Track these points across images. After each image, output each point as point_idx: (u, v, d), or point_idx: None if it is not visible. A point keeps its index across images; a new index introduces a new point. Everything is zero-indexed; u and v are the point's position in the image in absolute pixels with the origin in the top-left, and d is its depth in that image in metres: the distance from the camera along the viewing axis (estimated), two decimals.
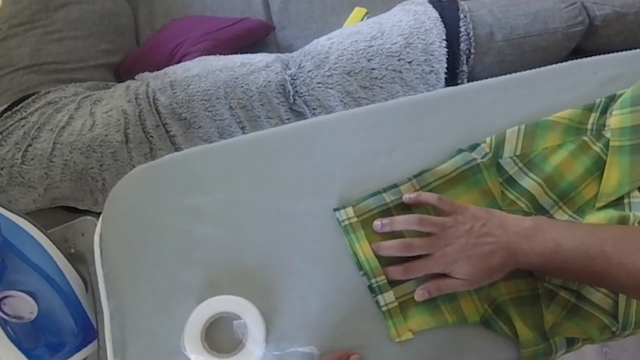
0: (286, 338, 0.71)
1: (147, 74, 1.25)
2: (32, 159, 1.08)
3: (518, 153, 0.74)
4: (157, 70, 1.26)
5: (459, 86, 0.80)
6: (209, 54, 1.28)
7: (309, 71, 1.09)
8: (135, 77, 1.27)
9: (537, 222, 0.65)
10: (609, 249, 0.60)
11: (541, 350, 0.70)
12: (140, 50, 1.45)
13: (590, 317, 0.70)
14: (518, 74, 0.79)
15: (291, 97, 1.10)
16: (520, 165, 0.74)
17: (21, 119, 1.14)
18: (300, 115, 1.10)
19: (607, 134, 0.74)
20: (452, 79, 1.02)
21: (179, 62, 1.31)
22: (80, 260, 0.81)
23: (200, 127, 1.11)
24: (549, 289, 0.70)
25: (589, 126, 0.75)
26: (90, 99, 1.19)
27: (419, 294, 0.69)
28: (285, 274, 0.75)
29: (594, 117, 0.75)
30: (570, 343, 0.71)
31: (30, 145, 1.09)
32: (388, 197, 0.74)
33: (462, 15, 1.04)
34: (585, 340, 0.71)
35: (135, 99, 1.14)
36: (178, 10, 1.56)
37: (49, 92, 1.20)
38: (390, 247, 0.71)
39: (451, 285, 0.68)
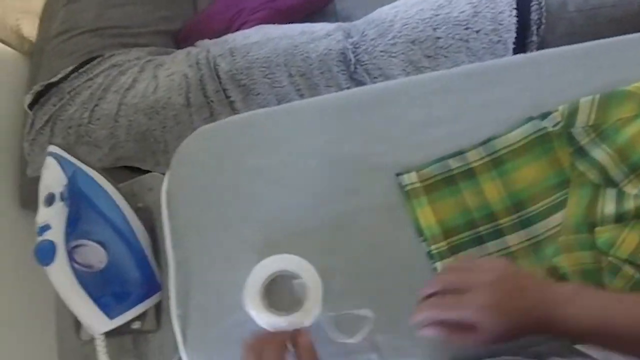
0: (342, 299, 0.72)
1: (207, 41, 1.26)
2: (98, 119, 1.12)
3: (591, 123, 0.72)
4: (216, 38, 1.27)
5: (530, 54, 0.78)
6: (267, 23, 1.28)
7: (372, 39, 1.08)
8: (196, 44, 1.29)
9: (577, 287, 0.59)
10: None
11: None
12: (198, 18, 1.46)
13: None
14: (593, 42, 0.76)
15: (352, 66, 1.09)
16: (593, 136, 0.72)
17: (88, 80, 1.17)
18: (360, 84, 1.10)
19: None
20: (520, 49, 0.98)
21: (237, 30, 1.31)
22: (147, 214, 0.84)
23: (259, 93, 1.11)
24: (613, 263, 0.69)
25: None
26: (153, 63, 1.21)
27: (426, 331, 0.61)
28: (344, 235, 0.75)
29: None
30: None
31: (96, 105, 1.13)
32: (454, 164, 0.73)
33: None
34: None
35: (197, 63, 1.16)
36: None
37: (113, 55, 1.23)
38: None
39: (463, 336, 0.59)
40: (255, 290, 0.70)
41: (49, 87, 1.18)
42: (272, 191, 0.78)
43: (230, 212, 0.78)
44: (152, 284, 0.80)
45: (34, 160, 1.16)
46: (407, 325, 0.62)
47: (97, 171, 0.79)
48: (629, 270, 0.68)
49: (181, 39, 1.42)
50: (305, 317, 0.68)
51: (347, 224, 0.76)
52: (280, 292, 0.72)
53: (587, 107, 0.72)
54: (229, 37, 1.22)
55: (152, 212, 0.84)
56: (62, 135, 1.13)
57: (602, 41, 0.77)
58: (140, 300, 0.78)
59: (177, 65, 1.18)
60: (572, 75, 0.76)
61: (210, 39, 1.28)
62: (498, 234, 0.72)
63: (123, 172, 1.15)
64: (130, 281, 0.78)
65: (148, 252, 0.81)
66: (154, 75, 1.17)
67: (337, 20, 1.44)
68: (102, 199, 0.79)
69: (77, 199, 0.76)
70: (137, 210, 0.82)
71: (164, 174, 0.84)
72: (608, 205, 0.70)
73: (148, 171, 1.13)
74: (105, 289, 0.76)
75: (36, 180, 1.16)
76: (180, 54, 1.23)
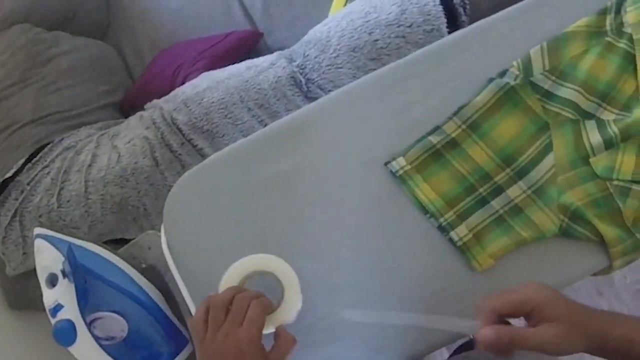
0: (375, 298, 0.73)
1: (156, 101, 1.27)
2: (68, 201, 1.09)
3: (547, 68, 0.77)
4: (163, 96, 1.28)
5: (471, 26, 0.83)
6: (209, 70, 1.31)
7: (315, 57, 1.12)
8: (145, 107, 1.29)
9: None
10: None
11: (630, 246, 0.71)
12: (138, 83, 1.47)
13: None
14: (524, 2, 0.82)
15: (304, 86, 1.13)
16: (553, 78, 0.77)
17: (44, 167, 1.15)
18: None
19: (628, 30, 0.76)
20: (455, 31, 1.05)
21: (182, 84, 1.33)
22: (153, 272, 0.82)
23: (224, 135, 1.13)
24: (620, 186, 0.71)
25: (608, 27, 0.78)
26: (108, 135, 1.21)
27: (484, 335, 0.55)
28: (351, 234, 0.77)
29: (609, 18, 0.78)
30: None
31: (62, 188, 1.11)
32: (434, 139, 0.76)
33: None
34: None
35: (153, 124, 1.16)
36: (163, 40, 1.58)
37: (62, 139, 1.22)
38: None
39: (530, 337, 0.54)
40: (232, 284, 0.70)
41: (5, 184, 1.14)
42: (267, 210, 0.80)
43: (234, 243, 0.79)
44: (179, 339, 0.79)
45: (10, 258, 1.12)
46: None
47: (94, 243, 0.78)
48: (638, 188, 0.71)
49: (127, 107, 1.43)
50: (286, 314, 0.68)
51: (348, 221, 0.78)
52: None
53: (539, 55, 0.77)
54: (178, 91, 1.23)
55: (158, 270, 0.83)
56: (33, 225, 1.10)
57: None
58: (172, 357, 0.76)
59: (133, 131, 1.18)
60: (515, 33, 0.81)
61: (158, 99, 1.29)
62: (499, 190, 0.75)
63: (110, 246, 1.12)
64: (157, 342, 0.77)
65: (165, 309, 0.80)
66: (112, 146, 1.16)
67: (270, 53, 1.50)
68: (106, 268, 0.78)
69: (80, 272, 0.74)
70: (143, 271, 0.80)
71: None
72: (593, 136, 0.74)
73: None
74: (134, 356, 0.74)
75: (18, 278, 1.13)
76: (133, 119, 1.24)
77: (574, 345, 0.54)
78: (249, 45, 1.48)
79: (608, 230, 0.71)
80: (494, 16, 0.83)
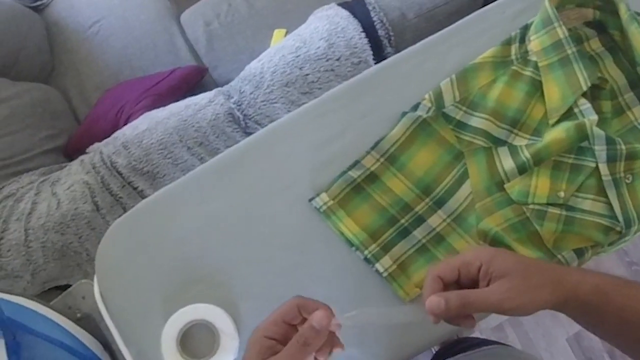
0: None
1: (97, 145, 1.27)
2: (8, 250, 1.08)
3: (458, 99, 0.80)
4: (106, 139, 1.29)
5: (384, 61, 0.86)
6: (152, 109, 1.32)
7: (250, 93, 1.15)
8: (87, 151, 1.30)
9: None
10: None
11: None
12: (82, 126, 1.47)
13: (588, 224, 0.73)
14: (434, 35, 0.86)
15: (242, 122, 1.15)
16: (464, 108, 0.80)
17: None
18: None
19: (533, 58, 0.80)
20: (382, 61, 1.09)
21: (125, 125, 1.34)
22: (89, 322, 0.82)
23: (164, 175, 1.14)
24: (537, 210, 0.74)
25: (513, 57, 0.81)
26: (49, 182, 1.20)
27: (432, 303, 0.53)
28: (281, 271, 0.79)
29: (514, 48, 0.82)
30: (580, 254, 0.74)
31: (1, 238, 1.09)
32: (354, 173, 0.78)
33: (370, 7, 1.12)
34: (594, 248, 0.75)
35: (93, 168, 1.16)
36: (109, 81, 1.59)
37: (3, 187, 1.21)
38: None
39: (481, 297, 0.52)
40: (172, 342, 0.74)
41: None
42: (198, 254, 0.81)
43: (166, 289, 0.79)
44: None
45: None
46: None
47: (24, 297, 0.78)
48: (553, 211, 0.74)
49: (71, 151, 1.42)
50: (227, 352, 0.72)
51: (279, 259, 0.79)
52: (197, 341, 0.76)
53: (449, 87, 0.80)
54: (118, 133, 1.24)
55: (94, 319, 0.83)
56: None
57: (442, 31, 0.86)
58: None
59: (73, 176, 1.18)
60: (426, 66, 0.84)
61: (101, 141, 1.29)
62: (420, 220, 0.77)
63: (56, 293, 1.11)
64: None
65: (104, 357, 0.79)
66: (52, 192, 1.16)
67: (217, 87, 1.52)
68: (37, 321, 0.77)
69: (10, 329, 0.73)
70: (78, 321, 0.80)
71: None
72: (506, 162, 0.77)
73: None
74: None
75: None
76: (74, 164, 1.24)
77: (534, 299, 0.51)
78: (193, 81, 1.50)
79: (528, 253, 0.73)
80: (406, 50, 0.86)
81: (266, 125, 1.14)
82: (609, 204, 0.74)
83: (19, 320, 0.75)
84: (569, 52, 0.77)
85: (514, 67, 0.81)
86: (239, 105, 1.15)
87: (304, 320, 0.53)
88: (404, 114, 0.80)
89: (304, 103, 1.11)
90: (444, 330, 0.74)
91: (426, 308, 0.52)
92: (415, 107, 0.81)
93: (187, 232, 0.82)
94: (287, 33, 1.47)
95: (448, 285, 0.55)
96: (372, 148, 0.80)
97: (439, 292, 0.53)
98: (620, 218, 0.73)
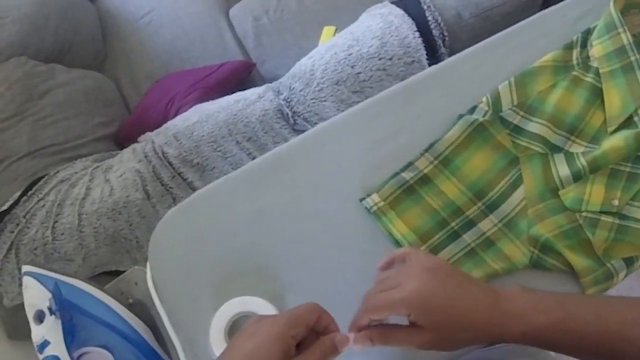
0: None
1: (149, 134, 1.31)
2: (62, 234, 1.13)
3: (516, 103, 0.79)
4: (157, 128, 1.32)
5: (441, 62, 0.85)
6: (201, 102, 1.35)
7: (300, 90, 1.15)
8: (138, 140, 1.33)
9: (524, 287, 0.59)
10: (618, 306, 0.55)
11: (601, 276, 0.72)
12: (133, 115, 1.51)
13: None
14: (492, 37, 0.85)
15: (291, 119, 1.16)
16: (522, 113, 0.79)
17: (39, 200, 1.18)
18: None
19: (594, 64, 0.78)
20: (435, 62, 1.08)
21: (175, 116, 1.37)
22: (140, 308, 0.85)
23: (214, 167, 1.16)
24: (589, 217, 0.73)
25: (574, 61, 0.80)
26: (101, 168, 1.24)
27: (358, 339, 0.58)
28: (329, 269, 0.79)
29: (576, 52, 0.80)
30: (629, 262, 0.73)
31: (56, 221, 1.14)
32: (407, 175, 0.78)
33: (425, 6, 1.11)
34: None
35: (145, 157, 1.20)
36: (159, 71, 1.63)
37: (57, 171, 1.25)
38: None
39: (403, 339, 0.56)
40: (220, 333, 0.74)
41: (1, 217, 1.18)
42: (249, 247, 0.82)
43: (217, 279, 0.80)
44: None
45: (7, 289, 1.15)
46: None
47: (80, 279, 0.81)
48: (606, 219, 0.73)
49: (122, 139, 1.46)
50: None
51: (327, 258, 0.79)
52: None
53: (507, 91, 0.79)
54: (169, 124, 1.27)
55: (145, 305, 0.85)
56: (29, 257, 1.13)
57: (500, 33, 0.85)
58: None
59: (126, 164, 1.21)
60: (484, 68, 0.83)
61: (152, 131, 1.32)
62: (470, 224, 0.76)
63: (105, 277, 1.15)
64: None
65: (153, 344, 0.81)
66: (105, 179, 1.19)
67: (264, 83, 1.54)
68: (92, 304, 0.80)
69: (66, 309, 0.76)
70: (130, 307, 0.82)
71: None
72: (561, 169, 0.76)
73: None
74: None
75: (16, 309, 1.16)
76: (126, 152, 1.27)
77: (453, 346, 0.55)
78: (241, 76, 1.53)
79: (578, 261, 0.72)
80: (464, 52, 0.86)
81: (315, 123, 1.16)
82: None
83: (75, 302, 0.78)
84: (633, 59, 0.75)
85: (574, 73, 0.79)
86: (289, 102, 1.16)
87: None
88: (461, 116, 0.80)
89: (354, 102, 1.12)
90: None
91: (351, 340, 0.57)
92: (472, 110, 0.80)
93: (238, 225, 0.83)
94: (336, 31, 1.47)
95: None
96: (426, 150, 0.79)
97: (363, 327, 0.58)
98: None
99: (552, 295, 0.57)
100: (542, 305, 0.55)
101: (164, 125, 1.28)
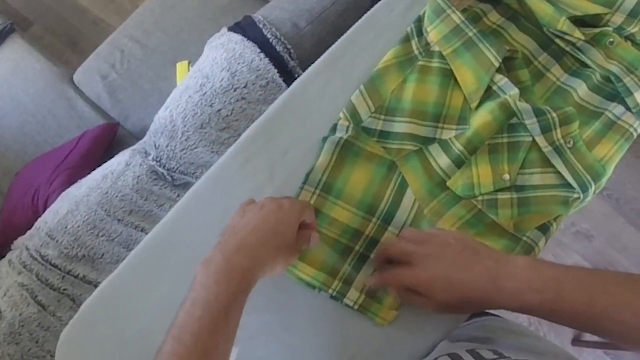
0: None
1: (20, 239, 1.19)
2: None
3: (373, 110, 0.77)
4: (29, 228, 1.20)
5: (291, 86, 0.81)
6: (69, 185, 1.24)
7: (167, 146, 1.08)
8: (12, 247, 1.21)
9: (531, 261, 0.60)
10: (613, 288, 0.56)
11: (520, 252, 0.72)
12: (2, 219, 1.37)
13: (544, 199, 0.71)
14: (331, 50, 0.82)
15: (167, 176, 1.08)
16: (383, 117, 0.77)
17: None
18: (186, 186, 1.10)
19: (436, 48, 0.78)
20: (289, 76, 1.05)
21: (44, 209, 1.25)
22: None
23: (103, 254, 1.07)
24: (487, 200, 0.72)
25: (416, 52, 0.79)
26: None
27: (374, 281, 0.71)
28: (256, 333, 0.74)
29: (414, 43, 0.79)
30: (545, 229, 0.72)
31: None
32: None
33: (261, 25, 1.07)
34: (557, 219, 0.72)
35: (24, 267, 1.08)
36: (15, 163, 1.48)
37: None
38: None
39: (419, 300, 0.65)
40: None
41: None
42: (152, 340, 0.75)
43: None
44: None
45: None
46: None
47: None
48: (504, 196, 0.72)
49: None
50: None
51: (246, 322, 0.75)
52: None
53: (361, 100, 0.77)
54: (40, 222, 1.15)
55: None
56: None
57: (337, 44, 0.82)
58: None
59: (6, 281, 1.09)
60: (332, 84, 0.80)
61: (24, 233, 1.20)
62: (373, 242, 0.74)
63: None
64: None
65: None
66: None
67: (135, 139, 1.44)
68: None
69: None
70: None
71: None
72: (440, 159, 0.74)
73: None
74: None
75: None
76: (2, 266, 1.15)
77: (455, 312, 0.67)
78: (106, 141, 1.42)
79: (493, 245, 0.71)
80: (308, 70, 0.82)
81: (193, 173, 1.10)
82: (559, 172, 0.73)
83: None
84: (470, 34, 0.75)
85: (420, 63, 0.79)
86: (159, 161, 1.09)
87: None
88: (325, 139, 0.77)
89: (225, 139, 1.07)
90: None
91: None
92: (334, 129, 0.77)
93: (144, 320, 0.76)
94: (190, 64, 1.40)
95: None
96: (304, 182, 0.76)
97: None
98: (575, 184, 0.72)
99: (554, 271, 0.58)
100: (538, 284, 0.58)
101: (35, 225, 1.16)
